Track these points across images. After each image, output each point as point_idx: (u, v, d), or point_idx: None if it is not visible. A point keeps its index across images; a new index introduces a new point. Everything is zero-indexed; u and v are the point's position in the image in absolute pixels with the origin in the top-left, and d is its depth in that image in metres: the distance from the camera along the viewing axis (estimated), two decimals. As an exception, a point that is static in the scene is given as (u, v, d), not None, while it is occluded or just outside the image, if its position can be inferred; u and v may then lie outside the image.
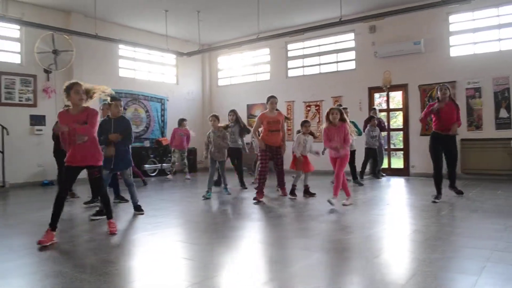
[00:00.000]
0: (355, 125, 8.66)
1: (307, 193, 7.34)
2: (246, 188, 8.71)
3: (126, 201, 6.74)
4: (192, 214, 6.21)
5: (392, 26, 11.00)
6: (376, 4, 10.67)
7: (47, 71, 10.73)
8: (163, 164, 12.56)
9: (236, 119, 9.07)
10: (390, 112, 12.27)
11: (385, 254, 3.75)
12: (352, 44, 12.20)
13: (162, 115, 13.70)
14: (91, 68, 11.47)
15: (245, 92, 14.29)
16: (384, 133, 11.39)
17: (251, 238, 4.62)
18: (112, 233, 4.61)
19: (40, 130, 10.47)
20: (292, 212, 6.14)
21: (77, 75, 11.19)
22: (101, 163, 4.65)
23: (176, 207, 6.90)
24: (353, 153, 8.65)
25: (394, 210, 6.19)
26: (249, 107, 14.21)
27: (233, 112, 9.20)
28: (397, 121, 14.36)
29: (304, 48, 13.24)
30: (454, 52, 10.55)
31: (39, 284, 3.11)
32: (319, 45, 12.90)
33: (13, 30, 10.48)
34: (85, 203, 6.74)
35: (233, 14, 11.58)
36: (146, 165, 12.09)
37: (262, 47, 13.68)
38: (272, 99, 7.16)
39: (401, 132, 11.80)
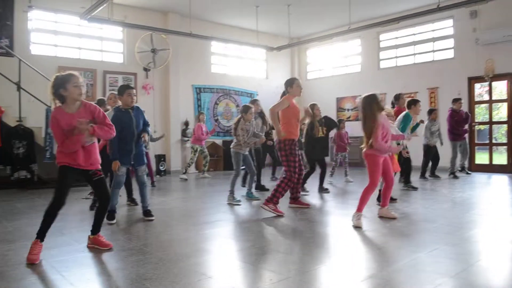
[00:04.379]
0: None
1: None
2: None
3: (136, 204, 6.16)
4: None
5: (496, 10, 10.09)
6: (478, -12, 9.94)
7: (146, 69, 11.46)
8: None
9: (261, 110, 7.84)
10: (493, 104, 11.38)
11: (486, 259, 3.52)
12: (450, 31, 11.49)
13: (252, 109, 13.95)
14: (185, 65, 12.17)
15: (335, 85, 14.11)
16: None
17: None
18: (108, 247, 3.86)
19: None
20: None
21: (173, 72, 11.89)
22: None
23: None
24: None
25: (498, 210, 5.77)
26: (339, 100, 14.02)
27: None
28: (499, 113, 13.30)
29: (397, 37, 12.73)
30: None
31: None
32: (413, 34, 12.33)
33: (117, 32, 11.36)
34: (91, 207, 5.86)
35: (323, 6, 11.45)
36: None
37: (352, 38, 13.39)
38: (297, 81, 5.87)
39: (505, 125, 10.90)
